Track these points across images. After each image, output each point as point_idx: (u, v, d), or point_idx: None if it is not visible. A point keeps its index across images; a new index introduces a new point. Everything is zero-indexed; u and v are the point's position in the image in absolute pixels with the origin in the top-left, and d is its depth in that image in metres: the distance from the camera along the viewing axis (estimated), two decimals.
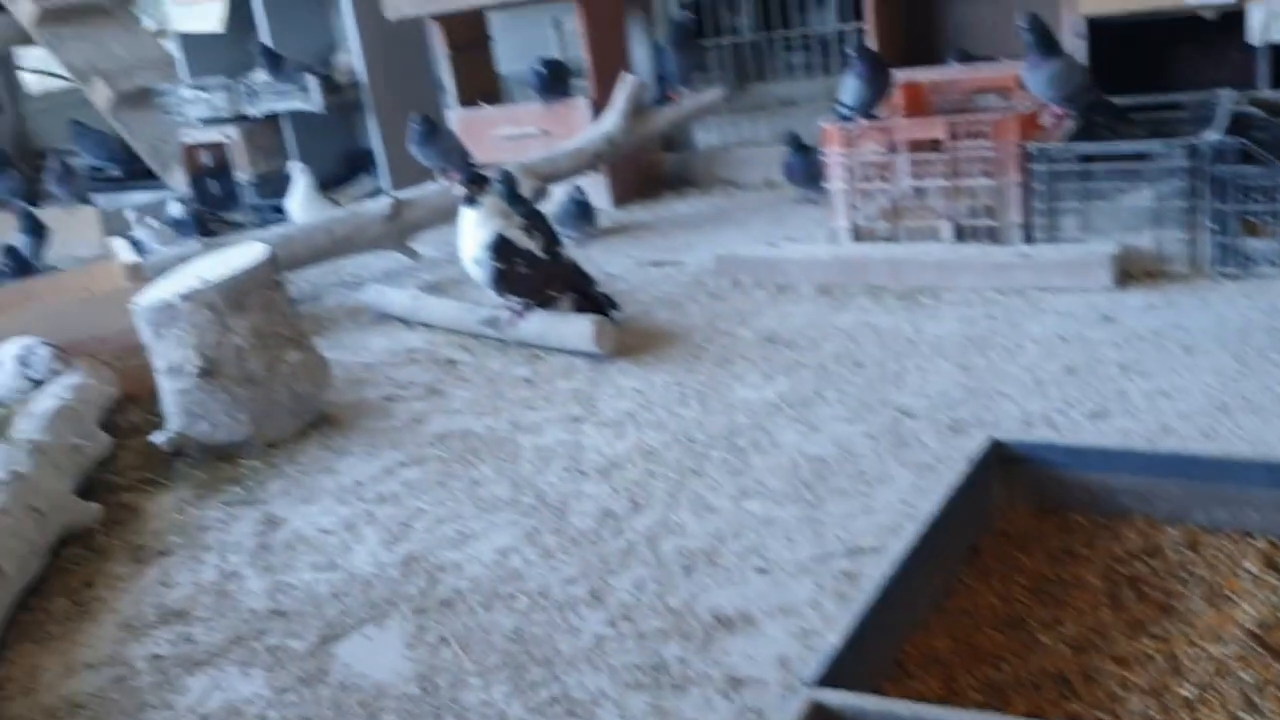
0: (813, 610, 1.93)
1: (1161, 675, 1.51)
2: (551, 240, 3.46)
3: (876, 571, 1.60)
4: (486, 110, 5.20)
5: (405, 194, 4.40)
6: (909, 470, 2.38)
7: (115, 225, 4.91)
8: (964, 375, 2.80)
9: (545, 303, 3.41)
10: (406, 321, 3.84)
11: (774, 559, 2.12)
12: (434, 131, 4.45)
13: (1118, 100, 3.58)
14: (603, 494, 2.47)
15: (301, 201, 4.78)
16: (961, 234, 3.53)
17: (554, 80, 4.96)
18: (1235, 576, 1.70)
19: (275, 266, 3.02)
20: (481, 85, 5.35)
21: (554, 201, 4.54)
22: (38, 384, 3.03)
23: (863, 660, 1.48)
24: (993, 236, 3.49)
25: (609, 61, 5.04)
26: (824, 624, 1.88)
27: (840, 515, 2.24)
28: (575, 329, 3.28)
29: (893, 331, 3.15)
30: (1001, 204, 3.46)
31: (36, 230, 4.75)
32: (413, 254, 4.46)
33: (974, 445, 1.95)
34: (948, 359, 2.91)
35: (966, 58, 4.36)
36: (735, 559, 2.14)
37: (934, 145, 3.52)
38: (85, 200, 5.69)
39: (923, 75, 3.98)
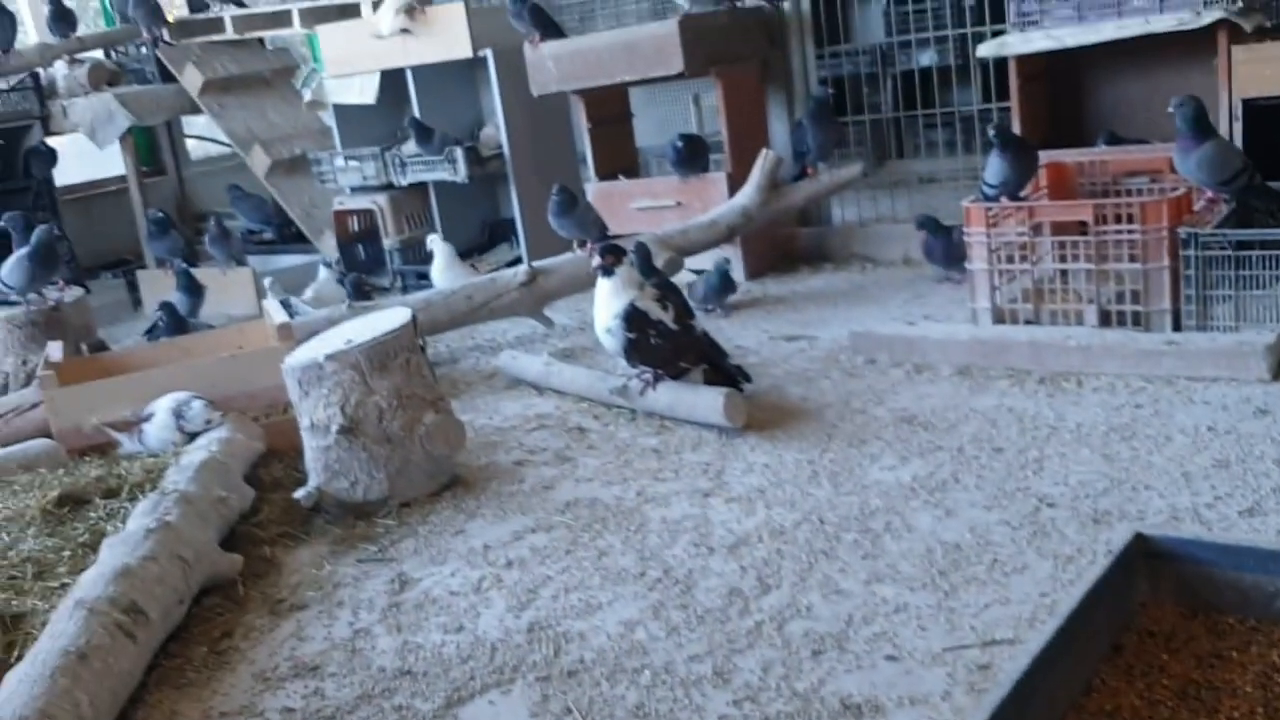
0: (944, 702, 1.87)
1: None
2: (684, 312, 3.48)
3: (1012, 665, 1.55)
4: (624, 183, 5.30)
5: (542, 263, 4.50)
6: (1048, 561, 2.30)
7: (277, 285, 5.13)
8: (1107, 465, 2.71)
9: (676, 374, 3.43)
10: (538, 387, 3.90)
11: (905, 646, 2.06)
12: (573, 203, 4.55)
13: (1275, 185, 3.46)
14: (730, 571, 2.45)
15: (442, 269, 4.92)
16: (1106, 319, 3.43)
17: (691, 155, 5.03)
18: None
19: (417, 330, 3.11)
20: (620, 158, 5.46)
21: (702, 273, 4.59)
22: (191, 436, 3.17)
23: None
24: (1139, 322, 3.38)
25: (747, 136, 5.10)
26: (955, 717, 1.82)
27: (975, 604, 2.18)
28: (706, 401, 3.28)
29: (1033, 416, 3.06)
30: (1149, 289, 3.36)
31: (193, 289, 4.99)
32: (547, 321, 4.54)
33: (1117, 538, 1.89)
34: (1091, 447, 2.82)
35: (1115, 140, 4.27)
36: (865, 645, 2.09)
37: (1079, 228, 3.45)
38: (240, 262, 5.97)
39: (1069, 156, 3.91)
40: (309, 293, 5.12)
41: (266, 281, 4.45)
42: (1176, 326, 3.32)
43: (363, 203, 5.88)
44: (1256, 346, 3.06)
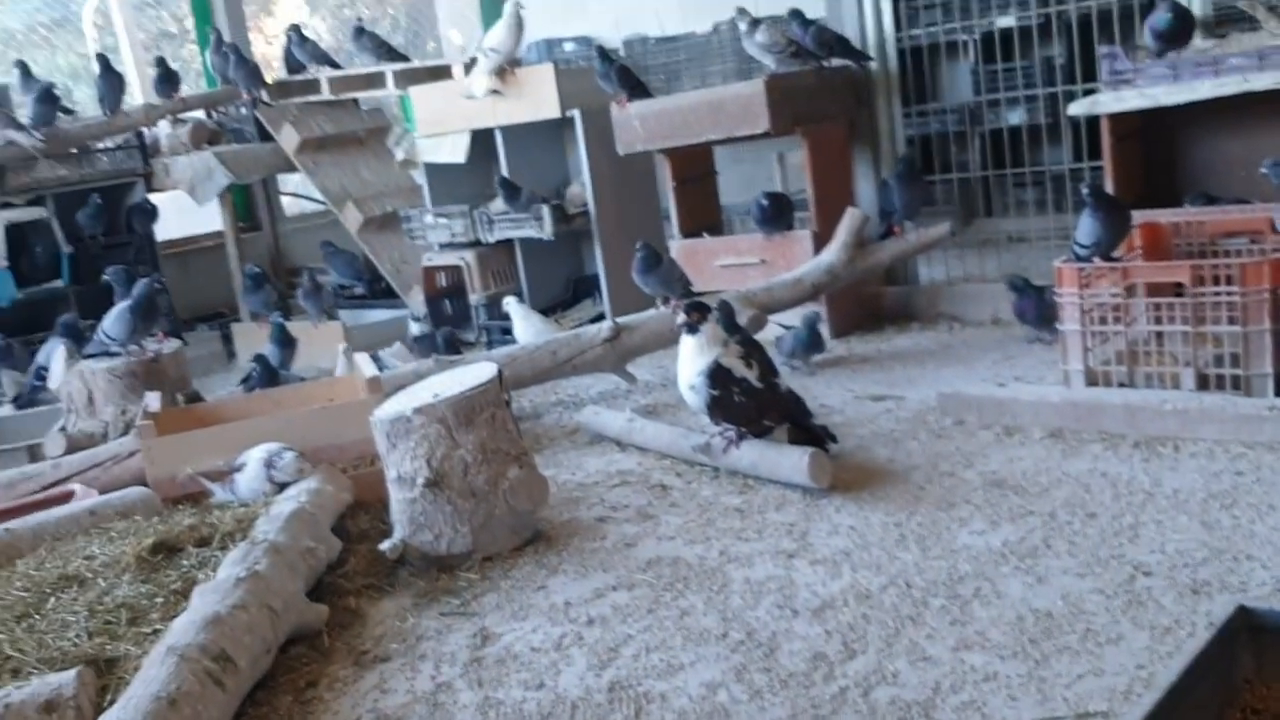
0: None
1: None
2: (768, 369, 3.47)
3: None
4: (708, 240, 5.32)
5: (626, 319, 4.52)
6: (1144, 632, 2.23)
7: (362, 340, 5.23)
8: (1206, 533, 2.62)
9: (760, 432, 3.41)
10: (621, 444, 3.90)
11: (994, 716, 2.01)
12: (656, 260, 4.58)
13: None
14: (815, 635, 2.41)
15: (523, 328, 4.97)
16: (1205, 382, 3.34)
17: (776, 212, 5.03)
18: None
19: (503, 385, 3.14)
20: (704, 216, 5.49)
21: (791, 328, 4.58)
22: (282, 487, 3.23)
23: None
24: (1239, 386, 3.28)
25: (833, 194, 5.10)
26: None
27: (1068, 675, 2.11)
28: (790, 460, 3.26)
29: (1128, 482, 2.98)
30: (1250, 352, 3.26)
31: (286, 341, 5.11)
32: (630, 378, 4.56)
33: (1218, 610, 1.82)
34: (1189, 514, 2.73)
35: (1209, 200, 4.18)
36: (953, 714, 2.03)
37: (1175, 289, 3.37)
38: (332, 316, 6.10)
39: (1164, 216, 3.84)
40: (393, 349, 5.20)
41: (340, 347, 4.53)
42: (1279, 391, 3.22)
43: (450, 259, 5.98)
44: None
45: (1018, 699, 2.06)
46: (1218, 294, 3.27)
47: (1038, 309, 4.26)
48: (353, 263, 6.84)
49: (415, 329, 5.53)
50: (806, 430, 3.46)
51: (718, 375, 3.31)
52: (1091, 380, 3.52)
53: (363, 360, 3.93)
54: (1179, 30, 4.00)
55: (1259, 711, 1.76)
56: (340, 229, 6.79)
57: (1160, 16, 4.00)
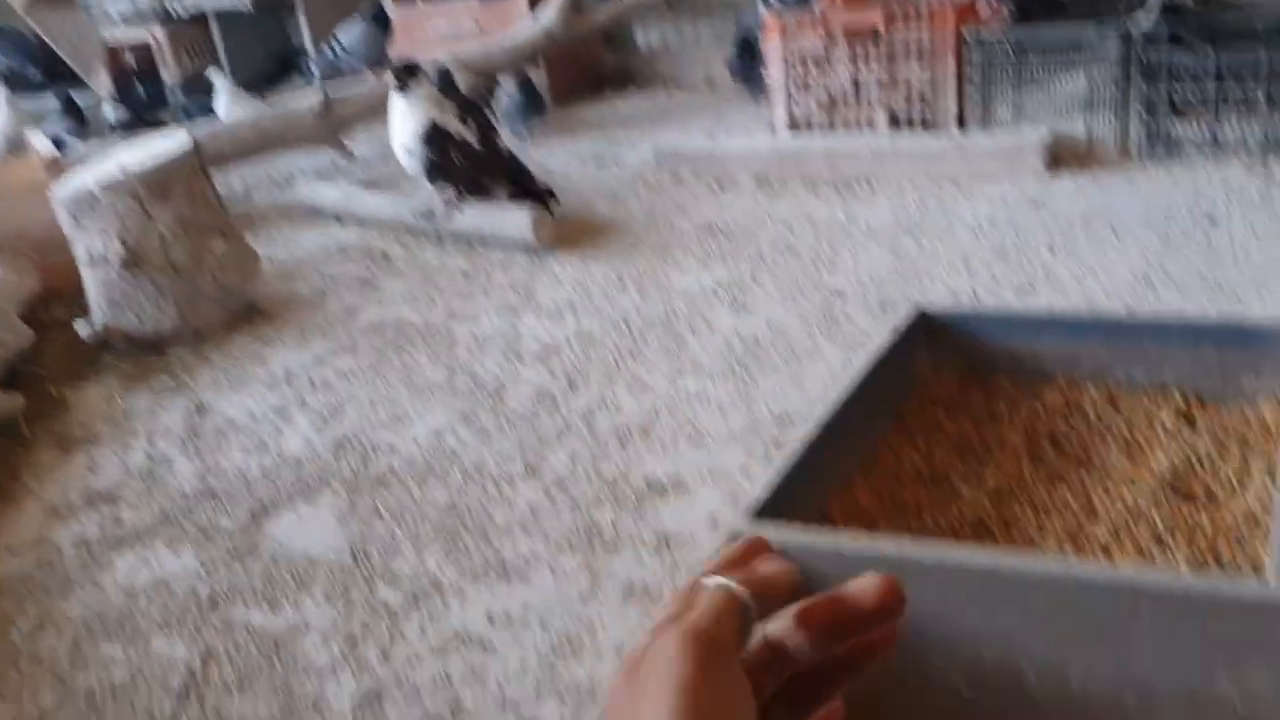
0: (742, 475, 1.95)
1: (1077, 520, 1.54)
2: (488, 130, 3.40)
3: (801, 433, 1.61)
4: (422, 7, 5.08)
5: (338, 91, 4.30)
6: (838, 347, 2.40)
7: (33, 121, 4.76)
8: (895, 259, 2.82)
9: (480, 193, 3.37)
10: (339, 218, 3.77)
11: (706, 430, 2.13)
12: (369, 27, 4.35)
13: None
14: (539, 377, 2.47)
15: (227, 105, 4.64)
16: (897, 122, 3.52)
17: None
18: (1150, 429, 1.74)
19: (199, 155, 2.95)
20: None
21: (503, 93, 4.48)
22: None
23: (786, 510, 1.50)
24: (928, 125, 3.49)
25: None
26: (753, 486, 1.90)
27: (771, 389, 2.26)
28: (513, 220, 3.25)
29: (827, 220, 3.15)
30: (937, 93, 3.46)
31: None
32: (347, 152, 4.38)
33: (902, 318, 1.97)
34: (880, 244, 2.92)
35: None
36: (669, 432, 2.15)
37: (872, 36, 3.50)
38: None
39: None
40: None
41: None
42: (962, 127, 3.44)
43: (137, 35, 5.47)
44: (1034, 143, 3.20)
45: (727, 413, 2.19)
46: (908, 37, 3.41)
47: (748, 67, 4.34)
48: (22, 44, 6.15)
49: (110, 114, 5.07)
50: (529, 190, 3.44)
51: (434, 136, 3.22)
52: (795, 129, 3.65)
53: (40, 140, 3.58)
54: None
55: (933, 400, 1.94)
56: (6, 7, 6.05)
57: None
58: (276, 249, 3.55)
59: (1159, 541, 1.46)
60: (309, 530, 1.96)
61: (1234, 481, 1.57)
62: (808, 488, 1.58)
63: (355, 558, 1.84)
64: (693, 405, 2.24)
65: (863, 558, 1.11)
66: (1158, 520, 1.51)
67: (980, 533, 1.55)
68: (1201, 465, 1.62)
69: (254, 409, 2.49)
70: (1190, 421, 1.75)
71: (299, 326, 2.92)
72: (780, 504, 1.46)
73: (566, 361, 2.52)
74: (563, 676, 1.47)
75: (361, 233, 3.64)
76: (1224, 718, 1.00)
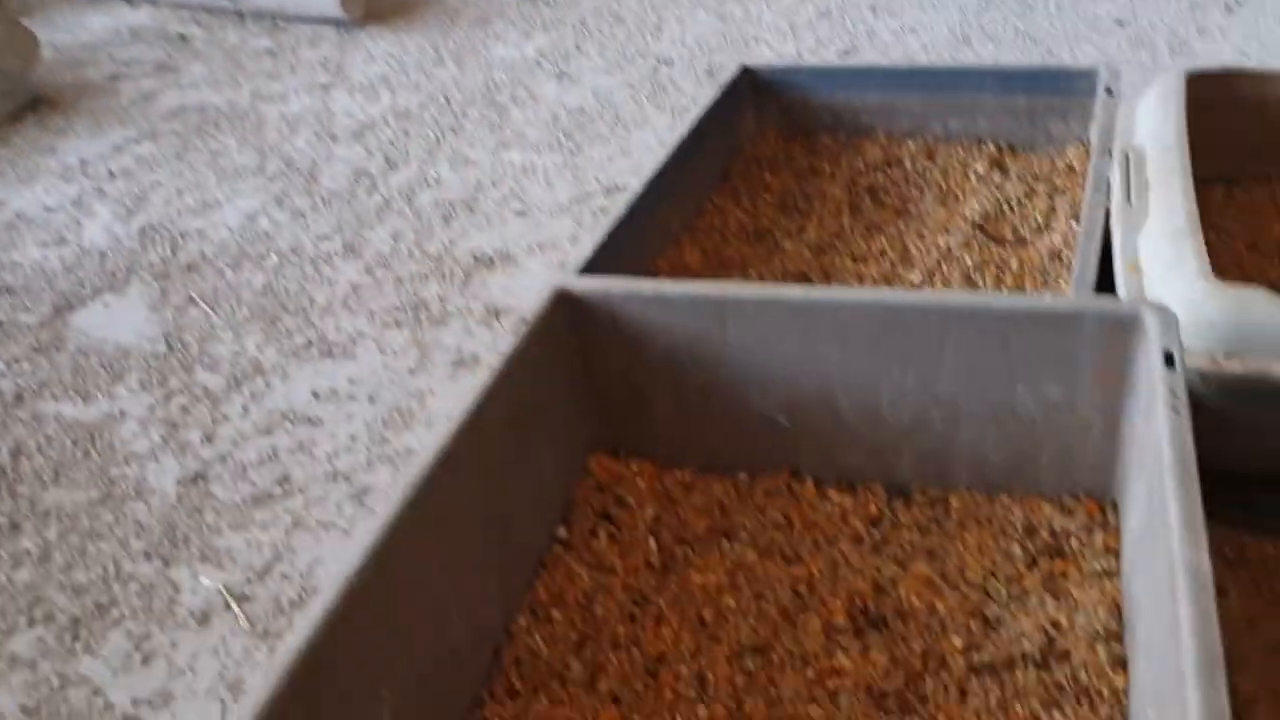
0: (571, 244, 1.93)
1: (894, 266, 1.59)
2: None
3: (630, 194, 1.59)
4: None
5: None
6: (665, 114, 2.36)
7: None
8: (722, 24, 2.76)
9: None
10: None
11: (533, 202, 2.09)
12: None
13: None
14: (356, 156, 2.37)
15: None
16: None
17: None
18: (965, 178, 1.78)
19: None
20: None
21: None
22: None
23: (613, 270, 1.49)
24: None
25: None
26: (578, 251, 1.88)
27: (598, 159, 2.22)
28: None
29: None
30: None
31: None
32: None
33: (727, 78, 1.94)
34: (706, 9, 2.86)
35: None
36: (494, 205, 2.10)
37: None
38: None
39: None
40: None
41: None
42: None
43: None
44: None
45: (554, 184, 2.15)
46: None
47: None
48: None
49: None
50: None
51: None
52: None
53: None
54: None
55: (757, 158, 1.94)
56: None
57: None
58: (58, 34, 3.26)
59: (968, 280, 1.52)
60: (118, 321, 1.86)
61: (1041, 223, 1.63)
62: (635, 248, 1.57)
63: (170, 345, 1.77)
64: (518, 178, 2.19)
65: (686, 300, 1.11)
66: (968, 261, 1.56)
67: (803, 283, 1.57)
68: (1011, 209, 1.68)
69: (47, 201, 2.32)
70: (1002, 169, 1.80)
71: (92, 115, 2.71)
72: (607, 264, 1.45)
73: (383, 139, 2.42)
74: (393, 445, 1.46)
75: (154, 13, 3.37)
76: (1022, 428, 1.06)
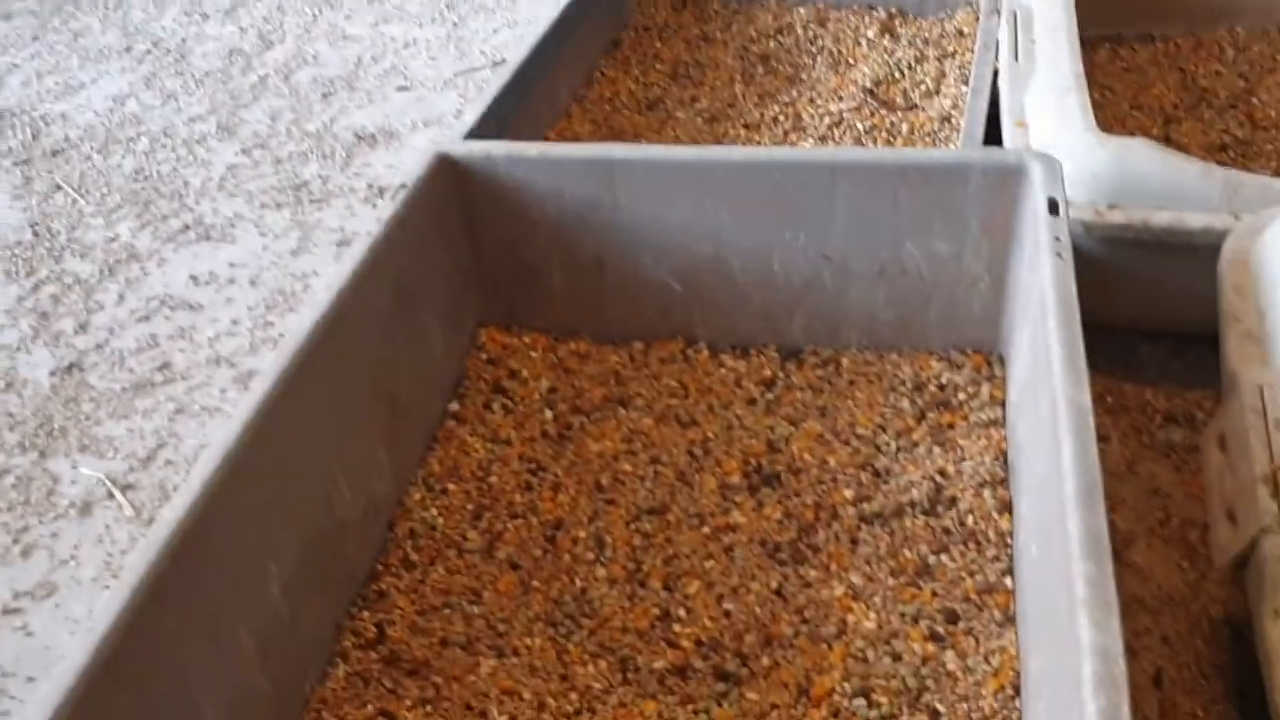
0: (456, 119, 1.87)
1: (786, 134, 1.57)
2: None
3: (512, 62, 1.54)
4: None
5: None
6: None
7: None
8: None
9: None
10: None
11: (416, 78, 2.02)
12: None
13: None
14: (229, 34, 2.25)
15: None
16: None
17: None
18: (856, 44, 1.76)
19: None
20: None
21: None
22: None
23: (500, 139, 1.45)
24: None
25: None
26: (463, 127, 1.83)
27: (483, 31, 2.15)
28: None
29: None
30: None
31: None
32: None
33: None
34: None
35: None
36: (375, 81, 2.02)
37: None
38: None
39: None
40: None
41: None
42: None
43: None
44: None
45: (437, 58, 2.07)
46: None
47: None
48: None
49: None
50: None
51: None
52: None
53: None
54: None
55: (647, 27, 1.89)
56: None
57: None
58: None
59: (859, 144, 1.51)
60: None
61: (931, 87, 1.62)
62: (522, 120, 1.53)
63: (37, 234, 1.68)
64: (400, 53, 2.10)
65: (573, 162, 1.08)
66: (860, 127, 1.55)
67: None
68: (902, 74, 1.67)
69: None
70: (892, 34, 1.78)
71: None
72: (494, 136, 1.41)
73: (257, 16, 2.30)
74: (277, 328, 1.41)
75: None
76: (911, 285, 1.06)
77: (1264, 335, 0.88)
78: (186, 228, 1.66)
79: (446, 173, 1.08)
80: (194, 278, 1.54)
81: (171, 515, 0.72)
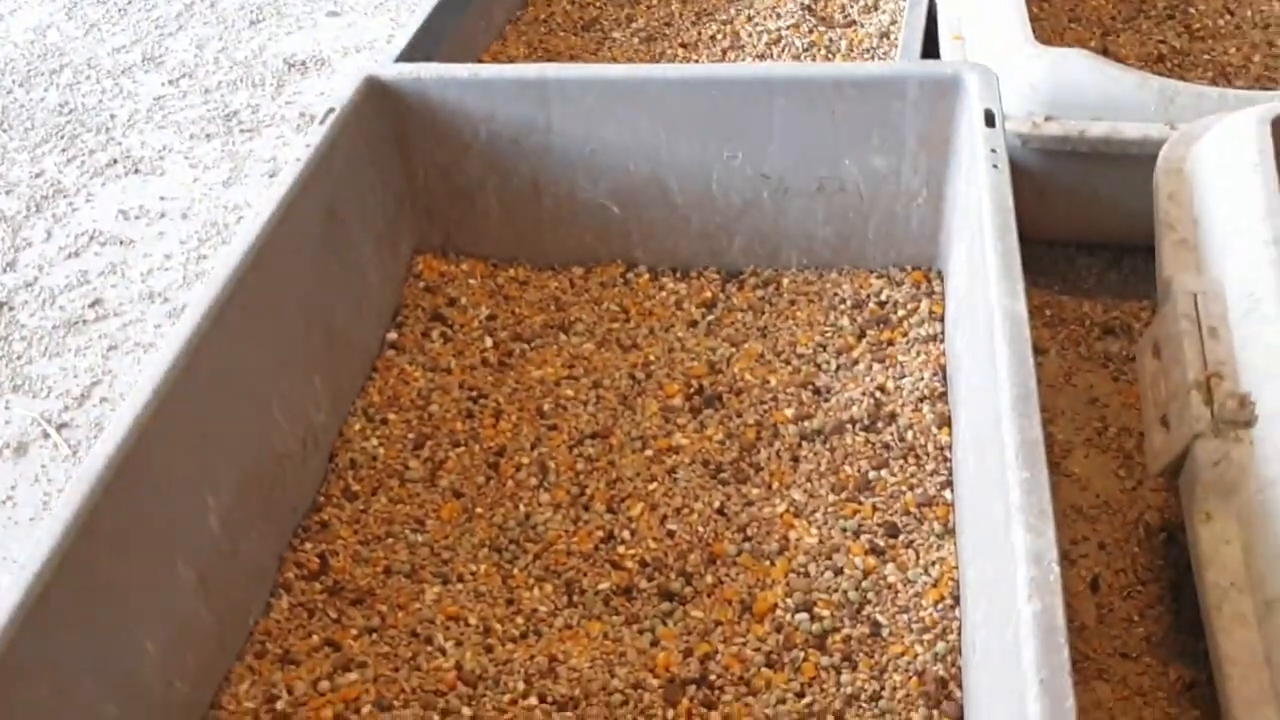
0: (388, 44, 1.82)
1: (724, 53, 1.55)
2: None
3: None
4: None
5: None
6: None
7: None
8: None
9: None
10: None
11: (346, 2, 1.96)
12: None
13: None
14: None
15: None
16: None
17: None
18: None
19: None
20: None
21: None
22: None
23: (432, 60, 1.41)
24: None
25: None
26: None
27: None
28: None
29: None
30: None
31: None
32: None
33: None
34: None
35: None
36: (304, 6, 1.96)
37: None
38: None
39: None
40: None
41: None
42: None
43: None
44: None
45: None
46: None
47: None
48: None
49: None
50: None
51: None
52: None
53: None
54: None
55: None
56: None
57: None
58: None
59: (797, 61, 1.49)
60: None
61: (870, 3, 1.60)
62: (455, 42, 1.49)
63: None
64: None
65: (506, 83, 1.06)
66: (798, 44, 1.53)
67: None
68: None
69: None
70: None
71: None
72: (426, 57, 1.37)
73: None
74: (210, 261, 1.39)
75: None
76: (849, 202, 1.06)
77: (1198, 243, 0.89)
78: (114, 161, 1.61)
79: (376, 96, 1.05)
80: (123, 212, 1.50)
81: (102, 449, 0.70)
